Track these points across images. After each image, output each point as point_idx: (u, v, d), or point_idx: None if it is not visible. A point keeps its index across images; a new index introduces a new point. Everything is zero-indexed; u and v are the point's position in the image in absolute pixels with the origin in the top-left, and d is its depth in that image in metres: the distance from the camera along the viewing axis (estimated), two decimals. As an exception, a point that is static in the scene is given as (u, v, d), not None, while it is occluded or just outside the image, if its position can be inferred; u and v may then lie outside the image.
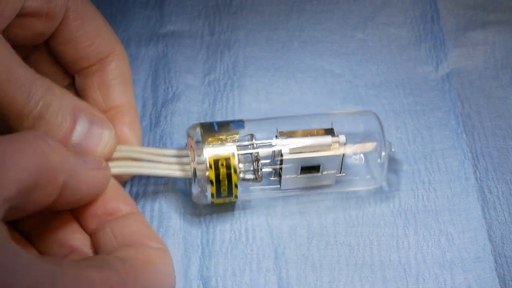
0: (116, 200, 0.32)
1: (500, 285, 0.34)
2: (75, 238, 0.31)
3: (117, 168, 0.33)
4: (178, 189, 0.37)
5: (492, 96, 0.41)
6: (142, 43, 0.44)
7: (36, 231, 0.31)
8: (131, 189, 0.37)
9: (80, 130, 0.32)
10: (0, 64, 0.28)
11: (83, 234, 0.31)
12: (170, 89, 0.41)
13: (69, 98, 0.32)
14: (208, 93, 0.41)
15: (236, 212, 0.36)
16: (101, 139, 0.33)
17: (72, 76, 0.36)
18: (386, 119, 0.40)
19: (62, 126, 0.31)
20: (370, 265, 0.34)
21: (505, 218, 0.36)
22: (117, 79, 0.35)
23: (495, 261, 0.34)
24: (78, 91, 0.36)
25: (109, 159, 0.33)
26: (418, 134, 0.40)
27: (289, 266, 0.34)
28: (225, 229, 0.35)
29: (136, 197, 0.36)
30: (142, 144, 0.37)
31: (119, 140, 0.34)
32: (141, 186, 0.37)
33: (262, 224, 0.36)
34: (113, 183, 0.32)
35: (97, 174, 0.31)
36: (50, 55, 0.35)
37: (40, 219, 0.31)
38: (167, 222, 0.35)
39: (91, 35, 0.34)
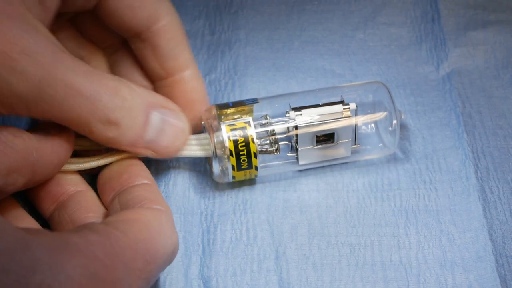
0: (133, 173, 0.32)
1: (501, 285, 0.34)
2: (88, 217, 0.31)
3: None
4: (179, 188, 0.36)
5: (493, 96, 0.41)
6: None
7: (54, 212, 0.32)
8: (131, 189, 0.37)
9: (153, 128, 0.32)
10: (64, 79, 0.28)
11: (97, 213, 0.32)
12: (170, 89, 0.41)
13: (139, 97, 0.31)
14: (209, 93, 0.41)
15: (237, 212, 0.36)
16: (174, 135, 0.33)
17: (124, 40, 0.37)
18: (387, 119, 0.40)
19: (133, 128, 0.31)
20: (371, 265, 0.34)
21: (506, 218, 0.36)
22: (172, 42, 0.35)
23: (496, 261, 0.34)
24: (136, 58, 0.36)
25: (180, 151, 0.34)
26: (419, 134, 0.40)
27: (290, 266, 0.34)
28: (226, 228, 0.35)
29: (136, 197, 0.36)
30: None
31: (184, 105, 0.34)
32: (141, 186, 0.37)
33: (263, 223, 0.36)
34: (134, 161, 0.33)
35: (61, 142, 0.31)
36: (98, 22, 0.35)
37: (57, 201, 0.32)
38: (168, 221, 0.35)
39: None
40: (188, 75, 0.36)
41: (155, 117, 0.32)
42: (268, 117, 0.36)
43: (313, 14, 0.46)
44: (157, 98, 0.33)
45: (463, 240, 0.35)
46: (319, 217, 0.36)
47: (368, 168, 0.38)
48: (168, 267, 0.33)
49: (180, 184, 0.37)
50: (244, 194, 0.37)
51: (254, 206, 0.36)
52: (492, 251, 0.35)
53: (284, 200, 0.37)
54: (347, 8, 0.46)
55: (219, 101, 0.41)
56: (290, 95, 0.37)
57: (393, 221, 0.36)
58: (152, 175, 0.37)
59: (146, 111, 0.32)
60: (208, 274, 0.34)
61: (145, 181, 0.32)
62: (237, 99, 0.41)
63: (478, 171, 0.38)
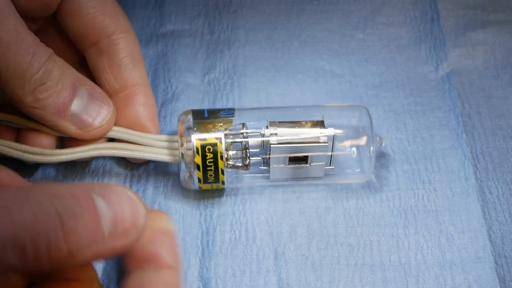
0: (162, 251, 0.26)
1: (500, 286, 0.34)
2: None
3: (109, 150, 0.34)
4: (177, 190, 0.36)
5: (492, 96, 0.41)
6: (142, 43, 0.43)
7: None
8: (131, 190, 0.36)
9: (79, 101, 0.33)
10: (8, 25, 0.29)
11: None
12: (169, 88, 0.41)
13: (70, 70, 0.33)
14: (208, 93, 0.41)
15: (236, 213, 0.36)
16: (99, 113, 0.34)
17: (80, 55, 0.37)
18: (386, 119, 0.40)
19: (61, 94, 0.32)
20: (370, 265, 0.34)
21: (505, 219, 0.36)
22: (127, 57, 0.36)
23: (495, 262, 0.34)
24: (91, 73, 0.36)
25: (105, 134, 0.34)
26: (418, 134, 0.40)
27: (289, 266, 0.34)
28: (225, 229, 0.35)
29: (136, 197, 0.36)
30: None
31: (136, 121, 0.35)
32: (140, 187, 0.37)
33: (262, 224, 0.36)
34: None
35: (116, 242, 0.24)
36: (59, 33, 0.36)
37: None
38: (167, 222, 0.35)
39: (96, 9, 0.34)
40: (142, 90, 0.36)
41: (83, 92, 0.33)
42: (244, 127, 0.35)
43: (313, 14, 0.46)
44: (87, 80, 0.34)
45: (462, 240, 0.35)
46: (318, 218, 0.36)
47: (367, 168, 0.38)
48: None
49: (179, 185, 0.37)
50: (243, 194, 0.37)
51: (253, 207, 0.36)
52: (491, 252, 0.35)
53: (283, 201, 0.36)
54: (347, 8, 0.46)
55: (218, 101, 0.41)
56: (270, 109, 0.37)
57: (392, 221, 0.36)
58: (151, 177, 0.37)
59: (74, 84, 0.33)
60: (208, 275, 0.34)
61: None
62: (236, 99, 0.41)
63: (477, 172, 0.38)
